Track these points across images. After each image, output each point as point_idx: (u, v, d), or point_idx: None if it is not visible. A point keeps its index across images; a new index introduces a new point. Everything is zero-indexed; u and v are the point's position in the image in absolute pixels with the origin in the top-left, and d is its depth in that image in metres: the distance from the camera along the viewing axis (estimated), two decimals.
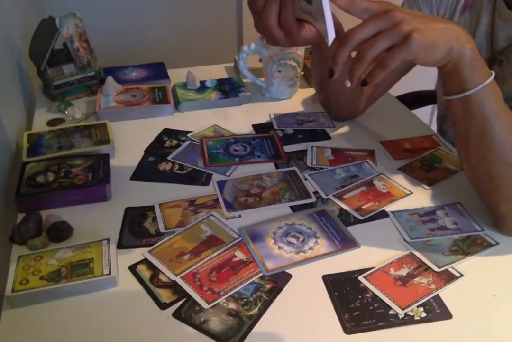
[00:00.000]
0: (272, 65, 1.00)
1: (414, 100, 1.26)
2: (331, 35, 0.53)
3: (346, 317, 0.56)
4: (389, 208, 0.72)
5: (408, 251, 0.64)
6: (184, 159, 0.84)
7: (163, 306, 0.57)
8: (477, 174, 0.65)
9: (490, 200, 0.67)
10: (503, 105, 0.61)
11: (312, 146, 0.88)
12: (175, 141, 0.89)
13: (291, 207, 0.73)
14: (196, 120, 0.96)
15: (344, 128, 0.95)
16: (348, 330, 0.54)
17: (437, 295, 0.58)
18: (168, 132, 0.92)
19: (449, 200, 0.74)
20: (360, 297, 0.58)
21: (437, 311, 0.56)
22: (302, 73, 1.10)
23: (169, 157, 0.84)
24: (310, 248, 0.65)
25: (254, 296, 0.58)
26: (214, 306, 0.57)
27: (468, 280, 0.60)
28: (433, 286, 0.59)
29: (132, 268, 0.62)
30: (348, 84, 0.58)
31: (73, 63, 1.01)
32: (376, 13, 0.55)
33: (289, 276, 0.61)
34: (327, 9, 0.52)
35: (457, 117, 0.63)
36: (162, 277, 0.60)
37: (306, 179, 0.79)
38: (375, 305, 0.57)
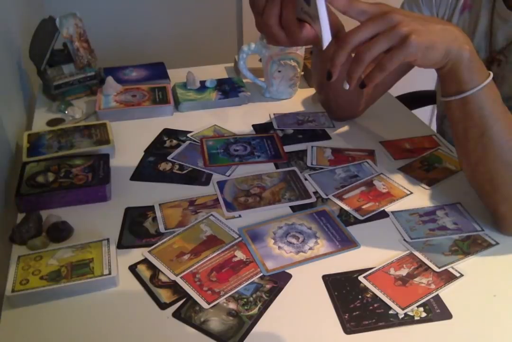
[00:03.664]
0: (272, 65, 1.00)
1: (414, 100, 1.26)
2: (326, 38, 0.53)
3: (346, 317, 0.56)
4: (389, 208, 0.72)
5: (408, 251, 0.64)
6: (184, 159, 0.84)
7: (163, 306, 0.57)
8: (477, 175, 0.66)
9: (490, 201, 0.67)
10: (501, 106, 0.61)
11: (312, 146, 0.88)
12: (175, 141, 0.89)
13: (291, 207, 0.73)
14: (196, 120, 0.96)
15: (344, 128, 0.95)
16: (348, 330, 0.54)
17: (437, 295, 0.58)
18: (168, 132, 0.92)
19: (449, 200, 0.74)
20: (360, 297, 0.58)
21: (437, 311, 0.56)
22: (302, 73, 1.10)
23: (169, 157, 0.84)
24: (310, 248, 0.65)
25: (254, 296, 0.58)
26: (214, 306, 0.57)
27: (468, 280, 0.60)
28: (433, 286, 0.59)
29: (132, 268, 0.62)
30: (347, 86, 0.58)
31: (73, 63, 1.01)
32: (374, 15, 0.55)
33: (289, 276, 0.61)
34: (323, 13, 0.52)
35: (456, 118, 0.63)
36: (162, 277, 0.60)
37: (306, 179, 0.79)
38: (375, 305, 0.57)
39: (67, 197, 0.71)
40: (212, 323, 0.55)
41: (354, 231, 0.68)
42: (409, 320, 0.55)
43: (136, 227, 0.69)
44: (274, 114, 0.99)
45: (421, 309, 0.56)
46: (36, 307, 0.57)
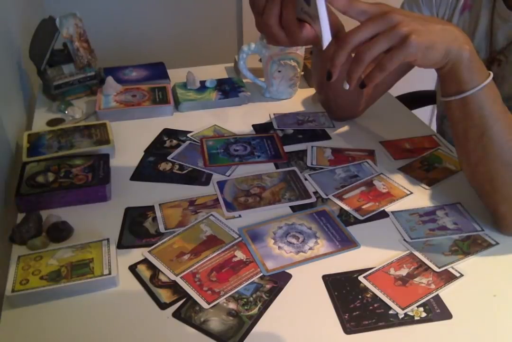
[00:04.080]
0: (272, 65, 1.00)
1: (414, 100, 1.26)
2: (326, 38, 0.53)
3: (346, 317, 0.56)
4: (389, 208, 0.72)
5: (408, 251, 0.64)
6: (184, 159, 0.84)
7: (163, 306, 0.57)
8: (477, 175, 0.66)
9: (490, 201, 0.67)
10: (501, 106, 0.61)
11: (312, 146, 0.88)
12: (175, 141, 0.89)
13: (291, 207, 0.73)
14: (196, 120, 0.96)
15: (344, 128, 0.95)
16: (348, 330, 0.54)
17: (437, 295, 0.58)
18: (168, 132, 0.92)
19: (449, 200, 0.74)
20: (360, 297, 0.58)
21: (437, 311, 0.56)
22: (302, 73, 1.10)
23: (169, 157, 0.84)
24: (310, 248, 0.65)
25: (254, 296, 0.58)
26: (214, 306, 0.57)
27: (468, 280, 0.60)
28: (433, 286, 0.59)
29: (132, 268, 0.62)
30: (347, 86, 0.58)
31: (73, 63, 1.01)
32: (374, 15, 0.55)
33: (289, 276, 0.61)
34: (323, 13, 0.52)
35: (456, 118, 0.63)
36: (162, 277, 0.60)
37: (306, 179, 0.79)
38: (375, 305, 0.57)
39: (67, 197, 0.71)
40: (212, 323, 0.55)
41: (354, 231, 0.68)
42: (409, 320, 0.55)
43: (136, 227, 0.69)
44: (274, 114, 0.99)
45: (421, 309, 0.56)
46: (36, 307, 0.57)
